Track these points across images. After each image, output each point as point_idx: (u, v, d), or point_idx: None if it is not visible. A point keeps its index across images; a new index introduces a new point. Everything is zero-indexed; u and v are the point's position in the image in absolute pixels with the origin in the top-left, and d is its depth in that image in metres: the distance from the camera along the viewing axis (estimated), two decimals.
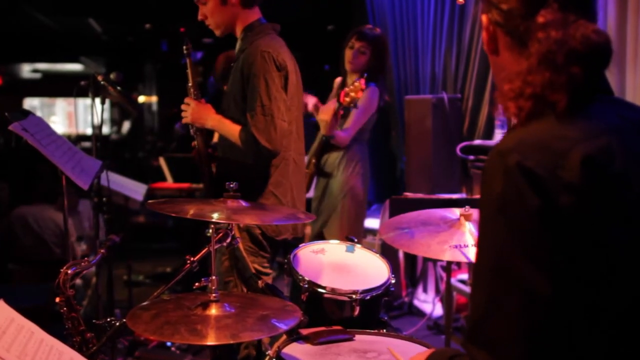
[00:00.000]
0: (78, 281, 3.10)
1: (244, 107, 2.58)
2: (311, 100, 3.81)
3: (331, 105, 3.43)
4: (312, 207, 3.84)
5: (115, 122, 11.81)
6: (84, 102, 10.36)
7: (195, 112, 2.68)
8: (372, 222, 4.72)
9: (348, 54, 3.75)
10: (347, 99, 3.29)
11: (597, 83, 1.10)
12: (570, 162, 0.98)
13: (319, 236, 3.73)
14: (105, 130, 10.66)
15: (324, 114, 3.46)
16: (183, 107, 2.72)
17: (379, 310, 2.19)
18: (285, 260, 2.22)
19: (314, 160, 3.73)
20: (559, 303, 0.97)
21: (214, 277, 1.77)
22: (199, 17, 2.72)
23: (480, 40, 4.43)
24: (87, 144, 9.49)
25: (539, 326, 0.98)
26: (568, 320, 0.98)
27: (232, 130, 2.59)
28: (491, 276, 1.02)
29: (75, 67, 11.69)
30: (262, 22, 2.71)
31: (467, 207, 2.17)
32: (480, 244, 1.07)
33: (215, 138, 2.90)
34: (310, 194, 3.88)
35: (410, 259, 4.78)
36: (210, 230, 1.84)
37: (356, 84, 3.26)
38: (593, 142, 1.01)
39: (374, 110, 3.74)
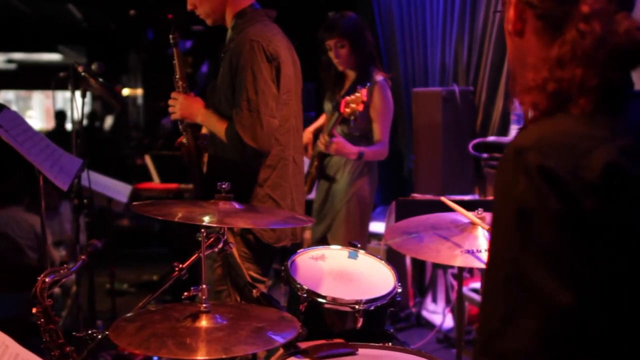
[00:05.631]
0: (56, 290, 3.11)
1: (233, 102, 2.58)
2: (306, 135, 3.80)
3: (323, 138, 3.49)
4: (314, 210, 3.85)
5: (98, 117, 11.82)
6: (63, 95, 10.41)
7: (184, 106, 2.68)
8: (376, 226, 4.71)
9: (332, 56, 3.74)
10: (348, 110, 3.30)
11: (626, 80, 1.09)
12: (592, 162, 0.98)
13: (323, 241, 3.74)
14: (86, 125, 10.72)
15: (323, 145, 3.51)
16: (170, 102, 2.71)
17: (384, 322, 2.19)
18: (282, 268, 2.22)
19: (316, 162, 3.74)
20: (581, 314, 0.98)
21: (204, 286, 1.77)
22: (188, 7, 2.72)
23: (495, 29, 4.43)
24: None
25: (559, 338, 0.98)
26: (589, 331, 0.98)
27: (220, 127, 2.59)
28: (506, 285, 1.02)
29: (54, 57, 11.72)
30: (255, 7, 2.71)
31: (479, 209, 2.17)
32: (493, 250, 1.06)
33: (204, 131, 2.91)
34: (311, 195, 3.89)
35: (419, 266, 4.78)
36: (201, 235, 1.85)
37: (357, 94, 3.27)
38: (618, 142, 1.01)
39: (392, 105, 3.76)
